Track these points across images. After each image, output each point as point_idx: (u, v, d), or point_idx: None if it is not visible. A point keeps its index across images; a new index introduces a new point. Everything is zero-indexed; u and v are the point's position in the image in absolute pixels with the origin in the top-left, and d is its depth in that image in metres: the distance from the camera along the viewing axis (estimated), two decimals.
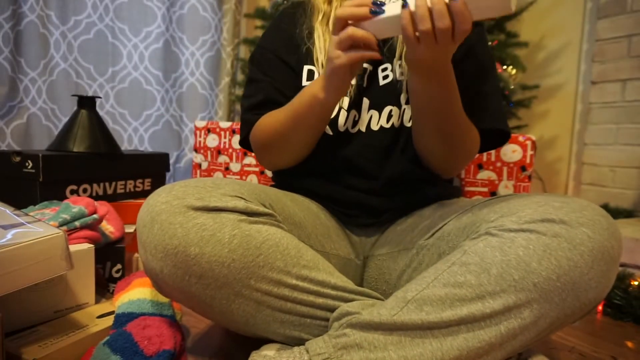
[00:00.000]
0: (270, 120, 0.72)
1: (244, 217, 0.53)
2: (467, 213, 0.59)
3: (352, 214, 0.75)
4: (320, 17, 0.75)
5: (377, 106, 0.73)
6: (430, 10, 0.51)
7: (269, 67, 0.77)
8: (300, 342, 0.56)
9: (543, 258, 0.47)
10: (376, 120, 0.73)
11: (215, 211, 0.52)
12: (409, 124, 0.72)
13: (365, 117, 0.73)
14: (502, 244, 0.49)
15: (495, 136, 0.74)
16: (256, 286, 0.53)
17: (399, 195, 0.73)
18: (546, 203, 0.51)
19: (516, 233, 0.49)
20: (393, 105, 0.72)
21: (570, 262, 0.47)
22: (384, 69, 0.74)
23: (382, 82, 0.73)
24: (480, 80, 0.72)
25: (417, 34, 0.53)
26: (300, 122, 0.68)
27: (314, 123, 0.68)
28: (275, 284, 0.53)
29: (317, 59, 0.74)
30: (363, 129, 0.73)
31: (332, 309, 0.56)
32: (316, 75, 0.74)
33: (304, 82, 0.75)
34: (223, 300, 0.53)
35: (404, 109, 0.72)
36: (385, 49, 0.74)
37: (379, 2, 0.56)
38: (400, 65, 0.73)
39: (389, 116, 0.73)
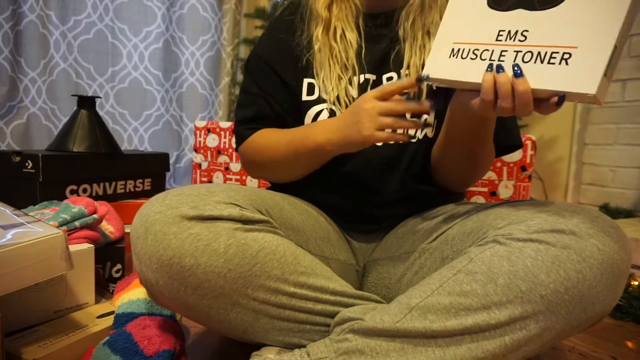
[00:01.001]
0: (267, 145, 0.71)
1: (239, 225, 0.52)
2: (473, 218, 0.58)
3: (352, 221, 0.74)
4: (321, 28, 0.72)
5: None
6: (513, 89, 0.48)
7: (263, 79, 0.75)
8: (300, 348, 0.56)
9: (552, 270, 0.47)
10: None
11: (210, 220, 0.51)
12: (413, 140, 0.70)
13: None
14: (510, 254, 0.48)
15: (509, 147, 0.73)
16: (253, 295, 0.52)
17: (402, 204, 0.72)
18: (556, 212, 0.50)
19: (525, 243, 0.48)
20: None
21: (579, 275, 0.46)
22: (389, 79, 0.71)
23: None
24: None
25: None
26: (301, 160, 0.68)
27: (316, 164, 0.68)
28: (273, 292, 0.53)
29: (317, 74, 0.71)
30: None
31: (331, 315, 0.55)
32: (316, 90, 0.71)
33: (304, 97, 0.72)
34: (220, 310, 0.52)
35: None
36: (393, 58, 0.71)
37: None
38: (407, 75, 0.70)
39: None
